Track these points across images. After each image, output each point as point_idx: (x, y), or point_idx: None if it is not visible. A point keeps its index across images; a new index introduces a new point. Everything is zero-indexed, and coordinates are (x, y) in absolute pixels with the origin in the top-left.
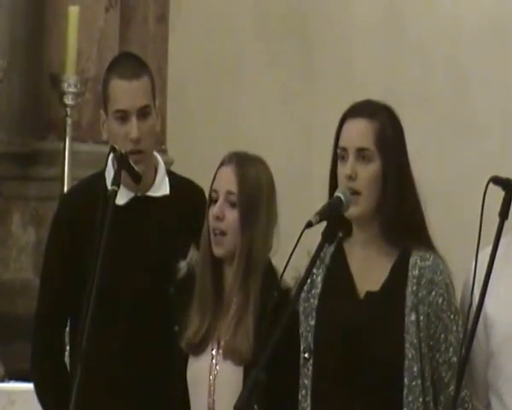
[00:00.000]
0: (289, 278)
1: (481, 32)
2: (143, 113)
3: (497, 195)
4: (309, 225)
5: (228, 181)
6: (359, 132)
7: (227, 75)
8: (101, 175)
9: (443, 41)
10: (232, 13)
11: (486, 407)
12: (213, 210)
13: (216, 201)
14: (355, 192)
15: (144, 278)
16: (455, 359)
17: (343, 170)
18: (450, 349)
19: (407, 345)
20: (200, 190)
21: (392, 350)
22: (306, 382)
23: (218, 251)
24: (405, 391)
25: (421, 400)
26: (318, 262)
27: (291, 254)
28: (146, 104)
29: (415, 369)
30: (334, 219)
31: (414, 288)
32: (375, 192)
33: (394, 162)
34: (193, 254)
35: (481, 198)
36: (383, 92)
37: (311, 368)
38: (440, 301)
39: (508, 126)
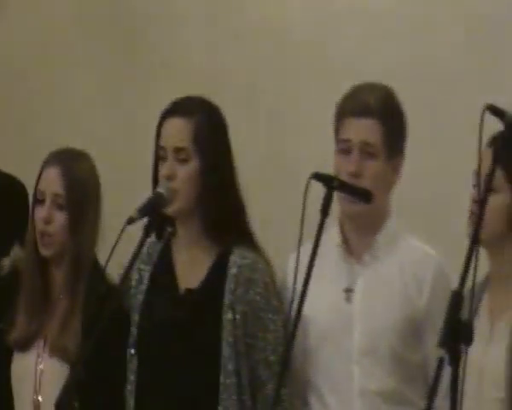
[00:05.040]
0: (116, 275)
1: (308, 26)
2: None
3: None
4: (130, 221)
5: (54, 183)
6: (176, 132)
7: (48, 73)
8: None
9: (272, 33)
10: (52, 12)
11: (305, 406)
12: (41, 213)
13: (42, 201)
14: (174, 192)
15: None
16: (272, 358)
17: (162, 169)
18: (268, 348)
19: (223, 343)
20: (21, 186)
21: (208, 348)
22: (132, 377)
23: (46, 252)
24: (220, 389)
25: (235, 398)
26: (147, 258)
27: (112, 250)
28: None
29: (230, 367)
30: (158, 215)
31: (232, 286)
32: (193, 190)
33: (212, 161)
34: (16, 252)
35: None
36: (209, 89)
37: (136, 364)
38: (258, 299)
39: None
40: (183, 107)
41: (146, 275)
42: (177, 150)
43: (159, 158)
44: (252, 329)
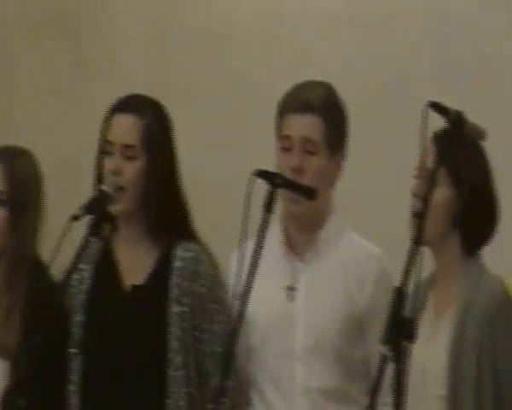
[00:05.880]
0: (60, 272)
1: (252, 31)
2: None
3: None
4: (75, 218)
5: None
6: (126, 129)
7: None
8: None
9: (215, 37)
10: None
11: (248, 405)
12: None
13: None
14: (120, 188)
15: None
16: (219, 349)
17: (108, 164)
18: (214, 339)
19: (171, 337)
20: None
21: (155, 342)
22: (76, 377)
23: None
24: (169, 382)
25: (184, 390)
26: (87, 258)
27: (56, 248)
28: None
29: (178, 360)
30: (102, 213)
31: (178, 279)
32: (139, 189)
33: (159, 160)
34: None
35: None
36: (152, 88)
37: (80, 363)
38: (204, 291)
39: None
40: (134, 105)
41: (87, 275)
42: (126, 147)
43: (103, 152)
44: (198, 321)
